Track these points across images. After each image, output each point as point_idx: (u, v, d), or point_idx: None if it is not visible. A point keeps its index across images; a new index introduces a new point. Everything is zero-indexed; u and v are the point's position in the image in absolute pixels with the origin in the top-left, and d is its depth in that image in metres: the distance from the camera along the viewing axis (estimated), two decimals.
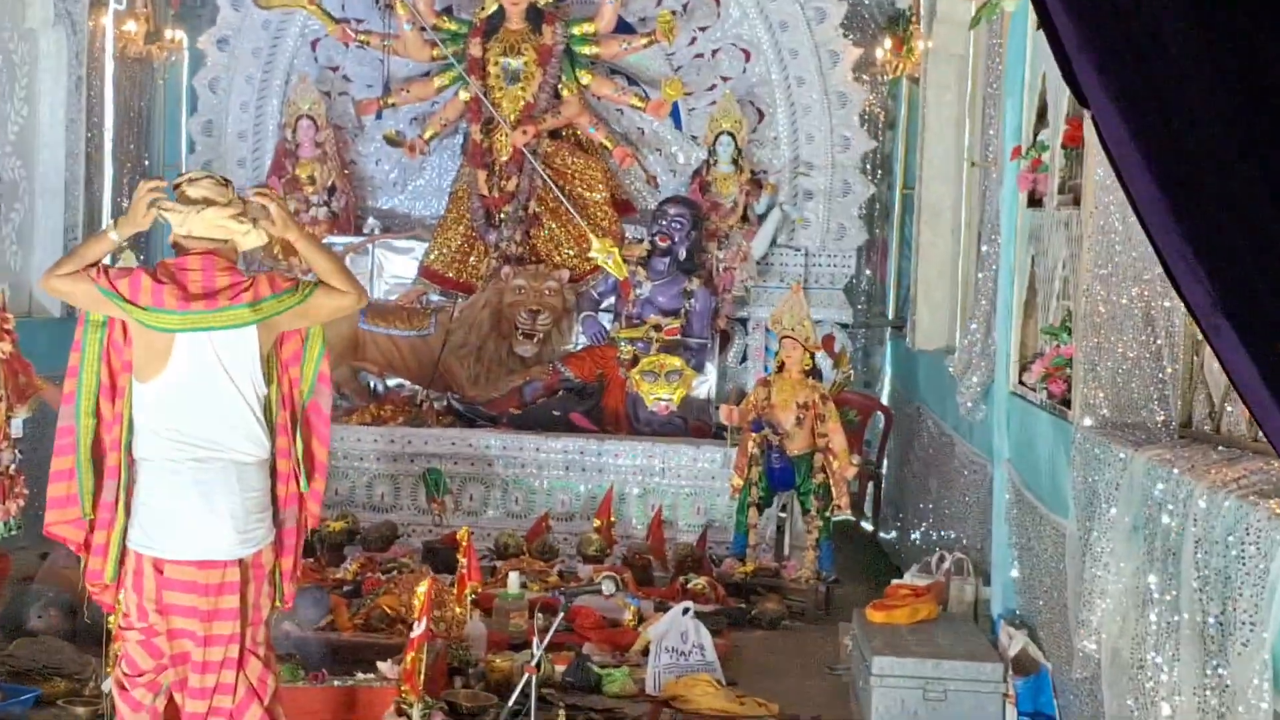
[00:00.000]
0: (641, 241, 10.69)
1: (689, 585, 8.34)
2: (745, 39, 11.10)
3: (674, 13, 10.83)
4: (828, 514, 8.95)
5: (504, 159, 10.79)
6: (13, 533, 6.69)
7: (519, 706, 5.87)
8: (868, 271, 12.85)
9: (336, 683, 6.05)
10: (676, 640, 6.94)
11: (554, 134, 11.00)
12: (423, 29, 10.81)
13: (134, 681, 4.70)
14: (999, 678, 6.07)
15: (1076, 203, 5.74)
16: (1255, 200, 1.98)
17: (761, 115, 11.08)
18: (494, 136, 10.82)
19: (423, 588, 5.67)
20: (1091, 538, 4.66)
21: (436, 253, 10.99)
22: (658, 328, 10.27)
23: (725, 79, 11.12)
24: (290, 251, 9.78)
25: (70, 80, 10.25)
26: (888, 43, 11.64)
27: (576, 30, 10.81)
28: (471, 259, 10.98)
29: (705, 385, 10.54)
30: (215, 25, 11.45)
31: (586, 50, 10.85)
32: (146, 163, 11.71)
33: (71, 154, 10.32)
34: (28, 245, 10.13)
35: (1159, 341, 5.05)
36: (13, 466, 6.54)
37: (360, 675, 6.12)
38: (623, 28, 10.94)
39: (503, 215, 10.81)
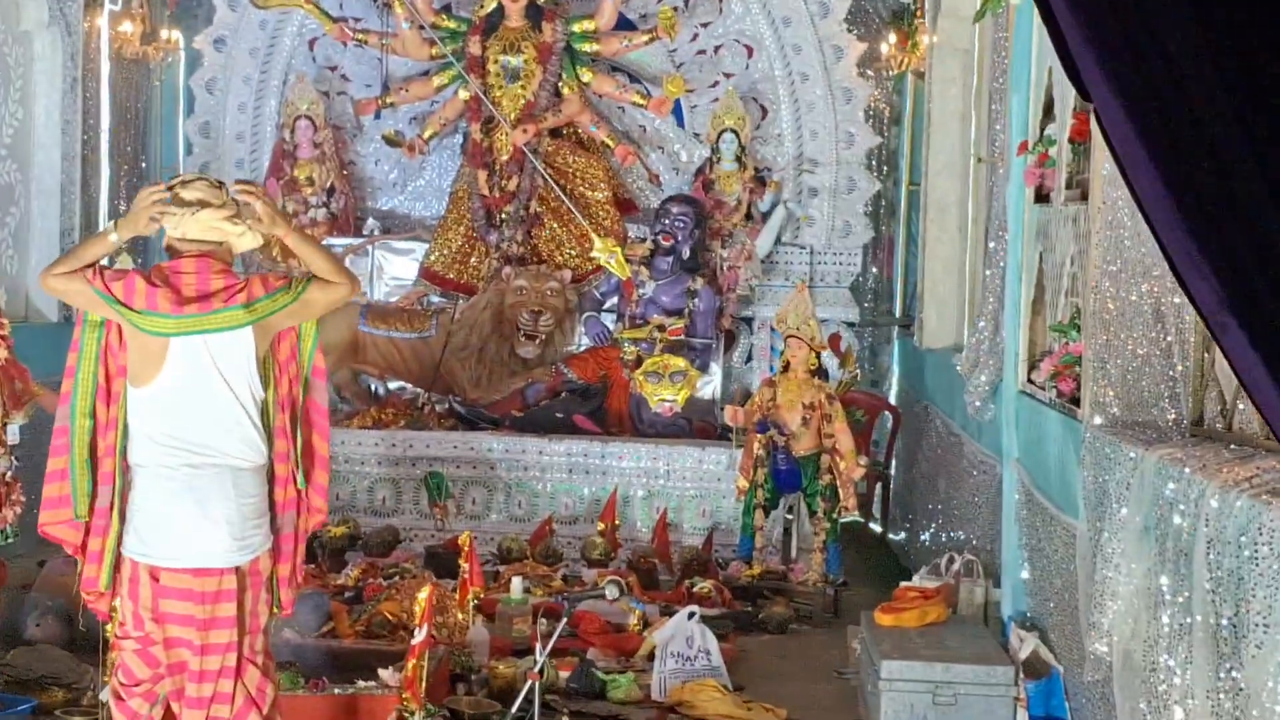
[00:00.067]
0: (644, 241, 10.62)
1: (694, 589, 8.29)
2: (748, 35, 11.03)
3: (675, 9, 10.78)
4: (835, 515, 8.89)
5: (504, 158, 10.73)
6: (9, 540, 6.65)
7: (522, 713, 5.86)
8: (874, 269, 12.76)
9: (337, 690, 6.02)
10: (682, 645, 6.90)
11: (555, 133, 10.94)
12: (421, 27, 10.75)
13: (131, 691, 4.67)
14: (1009, 681, 6.04)
15: (1084, 198, 5.67)
16: (1255, 200, 1.98)
17: (765, 112, 11.02)
18: (494, 136, 10.76)
19: (424, 593, 5.63)
20: (1102, 538, 4.62)
21: (437, 254, 10.93)
22: (661, 328, 10.21)
23: (728, 75, 11.05)
24: (289, 254, 9.71)
25: (66, 82, 10.22)
26: (892, 37, 11.57)
27: (577, 27, 10.74)
28: (472, 260, 10.92)
29: (710, 386, 10.48)
30: (212, 25, 11.39)
31: (587, 47, 10.79)
32: (143, 165, 11.66)
33: (67, 156, 10.28)
34: (24, 248, 10.09)
35: (1169, 338, 4.98)
36: (9, 474, 6.51)
37: (361, 683, 6.08)
38: (623, 24, 10.89)
39: (504, 215, 10.74)
